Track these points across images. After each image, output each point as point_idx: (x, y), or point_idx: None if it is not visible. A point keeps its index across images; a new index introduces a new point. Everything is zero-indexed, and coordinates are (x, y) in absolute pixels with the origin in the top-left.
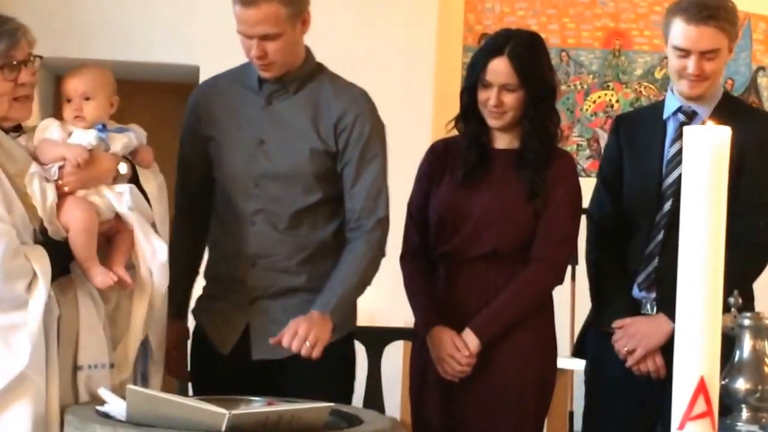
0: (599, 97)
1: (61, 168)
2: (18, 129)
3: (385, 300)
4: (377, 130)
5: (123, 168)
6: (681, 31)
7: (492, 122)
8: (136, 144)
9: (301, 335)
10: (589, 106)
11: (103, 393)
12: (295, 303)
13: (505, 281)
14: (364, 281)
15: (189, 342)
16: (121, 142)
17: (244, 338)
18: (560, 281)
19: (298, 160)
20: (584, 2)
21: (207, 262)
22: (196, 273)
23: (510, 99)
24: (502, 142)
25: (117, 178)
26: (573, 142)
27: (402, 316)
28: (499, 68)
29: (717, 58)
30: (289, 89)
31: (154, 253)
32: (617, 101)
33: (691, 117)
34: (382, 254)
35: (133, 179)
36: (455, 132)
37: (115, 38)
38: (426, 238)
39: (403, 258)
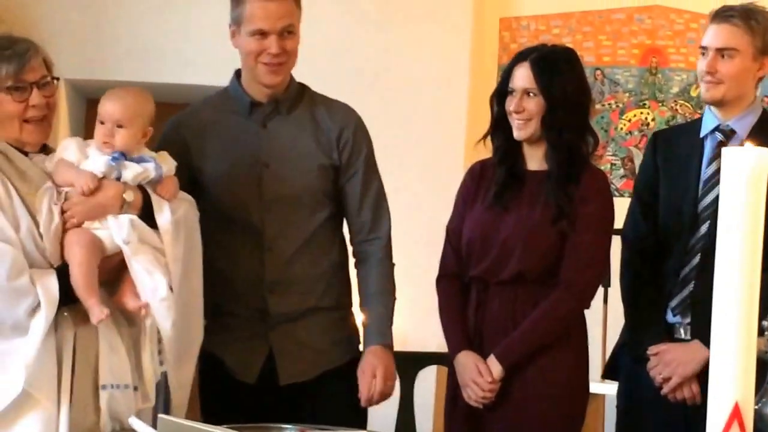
0: (635, 115)
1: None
2: (44, 149)
3: (419, 324)
4: (371, 141)
5: (129, 196)
6: (706, 31)
7: (516, 133)
8: (153, 176)
9: (381, 378)
10: (624, 124)
11: (134, 422)
12: (315, 322)
13: (533, 305)
14: (395, 298)
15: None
16: (133, 171)
17: (267, 364)
18: (586, 306)
19: (308, 178)
20: (620, 19)
21: (210, 297)
22: None
23: (531, 105)
24: (535, 163)
25: (124, 207)
26: (607, 161)
27: (436, 340)
28: (521, 74)
29: (734, 60)
30: (281, 110)
31: (155, 288)
32: (653, 120)
33: (728, 136)
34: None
35: (147, 209)
36: (484, 151)
37: (147, 60)
38: (462, 260)
39: (439, 281)
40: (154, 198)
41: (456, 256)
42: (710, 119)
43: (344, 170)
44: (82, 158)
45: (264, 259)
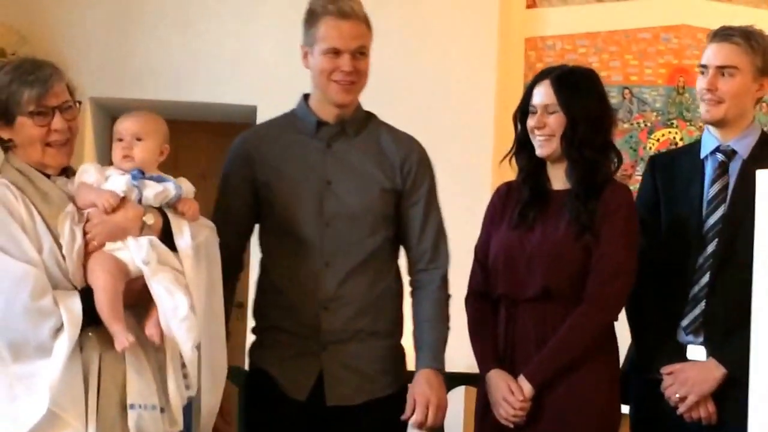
0: (663, 135)
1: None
2: (66, 171)
3: (448, 344)
4: (433, 172)
5: (149, 219)
6: (705, 50)
7: (539, 151)
8: (173, 194)
9: (433, 411)
10: (653, 144)
11: None
12: (366, 347)
13: (561, 321)
14: (449, 328)
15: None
16: (154, 190)
17: (317, 382)
18: (614, 318)
19: (368, 198)
20: (647, 39)
21: (263, 312)
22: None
23: (551, 120)
24: (558, 182)
25: (144, 230)
26: (636, 180)
27: (464, 360)
28: (542, 91)
29: (735, 78)
30: (348, 132)
31: (175, 307)
32: (681, 139)
33: (730, 156)
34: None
35: (167, 235)
36: (510, 171)
37: (171, 79)
38: (490, 279)
39: (468, 299)
40: (173, 220)
41: (484, 275)
42: (710, 140)
43: (407, 196)
44: (101, 180)
45: (320, 275)
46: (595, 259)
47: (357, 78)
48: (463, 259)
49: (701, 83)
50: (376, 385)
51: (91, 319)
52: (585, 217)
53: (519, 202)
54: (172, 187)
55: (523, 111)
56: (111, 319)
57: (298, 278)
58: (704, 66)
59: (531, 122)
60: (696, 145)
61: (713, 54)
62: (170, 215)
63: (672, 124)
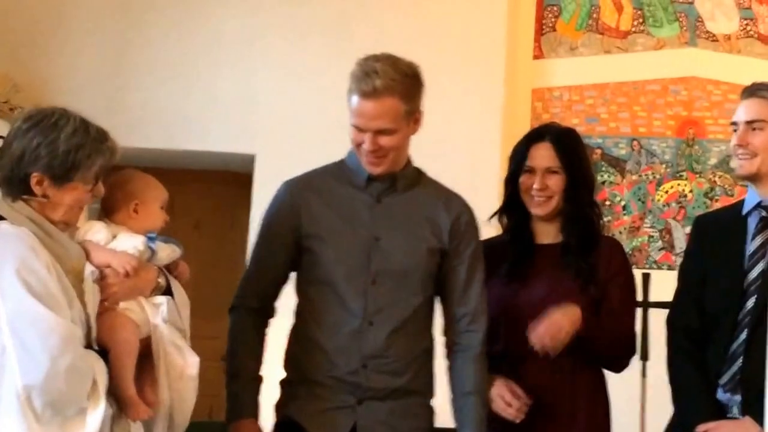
0: (672, 187)
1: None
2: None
3: (441, 400)
4: (479, 234)
5: (162, 279)
6: (737, 109)
7: (536, 210)
8: (178, 254)
9: None
10: (662, 196)
11: None
12: (401, 405)
13: (571, 370)
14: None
15: None
16: (165, 252)
17: None
18: (633, 353)
19: (416, 257)
20: (655, 90)
21: (299, 364)
22: (260, 374)
23: (553, 182)
24: (546, 236)
25: (154, 289)
26: (644, 233)
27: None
28: (542, 153)
29: (765, 131)
30: (398, 188)
31: (185, 366)
32: (690, 191)
33: None
34: None
35: (167, 291)
36: (495, 224)
37: (167, 127)
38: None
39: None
40: (172, 280)
41: None
42: (752, 197)
43: (452, 256)
44: (109, 239)
45: (363, 333)
46: (608, 308)
47: (383, 153)
48: None
49: (734, 141)
50: None
51: None
52: (586, 272)
53: (505, 259)
54: (176, 247)
55: (515, 172)
56: (129, 385)
57: (340, 334)
58: (735, 123)
59: (531, 183)
60: (739, 204)
61: (743, 110)
62: (167, 275)
63: (681, 176)
